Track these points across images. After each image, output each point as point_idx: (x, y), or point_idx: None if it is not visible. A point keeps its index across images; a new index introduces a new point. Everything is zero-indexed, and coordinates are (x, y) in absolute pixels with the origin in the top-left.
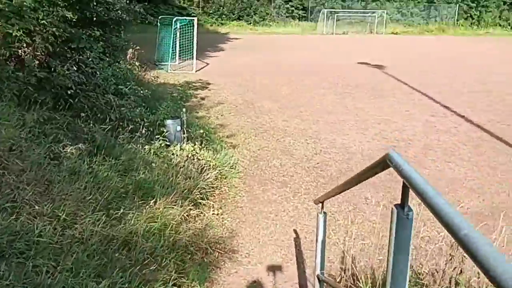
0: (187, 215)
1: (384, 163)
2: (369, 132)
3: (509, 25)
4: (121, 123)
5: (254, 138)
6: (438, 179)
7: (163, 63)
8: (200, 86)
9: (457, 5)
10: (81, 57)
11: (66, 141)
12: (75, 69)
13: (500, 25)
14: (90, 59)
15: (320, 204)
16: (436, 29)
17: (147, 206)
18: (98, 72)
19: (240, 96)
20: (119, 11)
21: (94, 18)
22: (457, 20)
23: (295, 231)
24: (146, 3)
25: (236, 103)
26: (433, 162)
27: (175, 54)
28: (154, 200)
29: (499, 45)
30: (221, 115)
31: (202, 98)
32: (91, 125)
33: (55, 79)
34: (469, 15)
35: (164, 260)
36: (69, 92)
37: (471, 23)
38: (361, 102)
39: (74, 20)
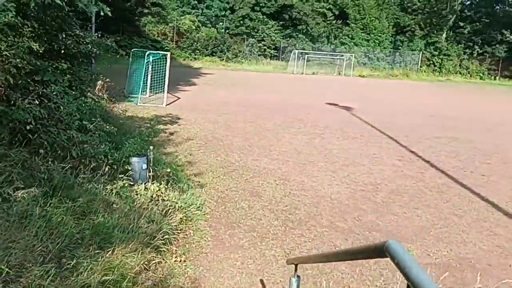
0: (147, 263)
1: (380, 252)
2: (338, 174)
3: (468, 73)
4: (83, 160)
5: (222, 178)
6: (406, 226)
7: (133, 96)
8: (169, 121)
9: (421, 52)
10: (44, 90)
11: (19, 182)
12: (37, 103)
13: (460, 73)
14: (54, 93)
15: (293, 266)
16: (400, 74)
17: (105, 254)
18: (61, 107)
19: (210, 133)
20: (89, 45)
21: (63, 51)
22: (420, 67)
23: (261, 281)
24: (120, 35)
25: (206, 139)
26: (401, 208)
27: (146, 87)
28: (112, 247)
29: (459, 91)
30: (190, 154)
31: (171, 133)
32: (50, 163)
33: (13, 113)
34: (431, 62)
35: None
36: (28, 128)
37: (433, 70)
38: (330, 143)
39: (40, 51)
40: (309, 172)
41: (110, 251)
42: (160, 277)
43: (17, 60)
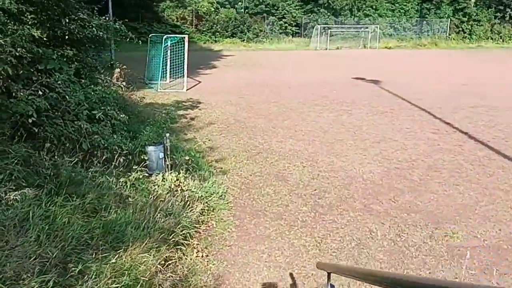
0: (165, 260)
1: None
2: (369, 152)
3: (500, 38)
4: (95, 152)
5: (246, 162)
6: (448, 205)
7: (153, 82)
8: (190, 106)
9: (449, 19)
10: (48, 80)
11: (20, 180)
12: (41, 93)
13: (491, 39)
14: (59, 82)
15: (326, 274)
16: (428, 43)
17: (116, 256)
18: (67, 96)
19: (232, 116)
20: (94, 29)
21: (67, 36)
22: (449, 34)
23: (291, 275)
24: (139, 22)
25: (228, 123)
26: (440, 185)
27: (166, 73)
28: (125, 247)
29: (492, 58)
30: (209, 140)
31: (192, 118)
32: (56, 157)
33: (13, 106)
34: (460, 29)
35: None
36: (30, 120)
37: (463, 37)
38: (359, 120)
39: (44, 38)
40: (338, 152)
41: (122, 251)
42: (180, 276)
43: (18, 48)
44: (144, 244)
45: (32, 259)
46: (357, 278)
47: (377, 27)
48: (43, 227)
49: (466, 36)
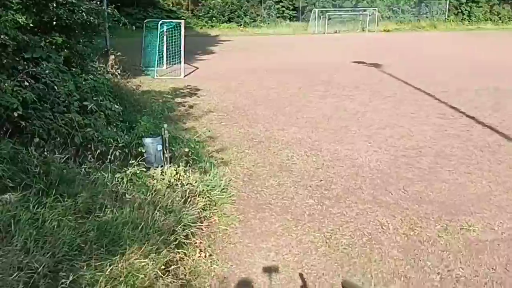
0: (165, 265)
1: None
2: (375, 139)
3: (500, 20)
4: (89, 146)
5: (247, 152)
6: (460, 195)
7: (149, 69)
8: (188, 93)
9: (448, 1)
10: (35, 69)
11: (5, 180)
12: (27, 84)
13: (491, 20)
14: (47, 71)
15: None
16: (427, 25)
17: (112, 262)
18: (56, 87)
19: (231, 103)
20: (84, 14)
21: (55, 22)
22: (448, 16)
23: (301, 275)
24: (135, 7)
25: (227, 110)
26: (451, 173)
27: (162, 59)
28: (121, 250)
29: (491, 39)
30: (209, 129)
31: (190, 106)
32: (46, 153)
33: None
34: (459, 11)
35: None
36: (16, 114)
37: (462, 19)
38: (362, 105)
39: (30, 25)
40: (342, 139)
41: (118, 257)
42: (182, 279)
43: (1, 36)
44: (143, 246)
45: (18, 270)
46: None
47: (375, 9)
48: (30, 233)
49: (465, 18)
